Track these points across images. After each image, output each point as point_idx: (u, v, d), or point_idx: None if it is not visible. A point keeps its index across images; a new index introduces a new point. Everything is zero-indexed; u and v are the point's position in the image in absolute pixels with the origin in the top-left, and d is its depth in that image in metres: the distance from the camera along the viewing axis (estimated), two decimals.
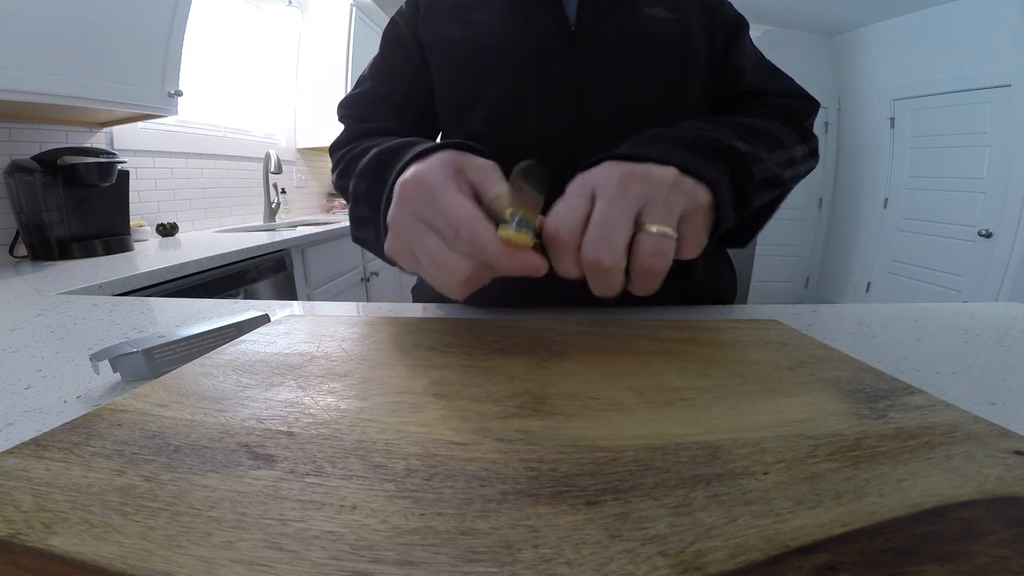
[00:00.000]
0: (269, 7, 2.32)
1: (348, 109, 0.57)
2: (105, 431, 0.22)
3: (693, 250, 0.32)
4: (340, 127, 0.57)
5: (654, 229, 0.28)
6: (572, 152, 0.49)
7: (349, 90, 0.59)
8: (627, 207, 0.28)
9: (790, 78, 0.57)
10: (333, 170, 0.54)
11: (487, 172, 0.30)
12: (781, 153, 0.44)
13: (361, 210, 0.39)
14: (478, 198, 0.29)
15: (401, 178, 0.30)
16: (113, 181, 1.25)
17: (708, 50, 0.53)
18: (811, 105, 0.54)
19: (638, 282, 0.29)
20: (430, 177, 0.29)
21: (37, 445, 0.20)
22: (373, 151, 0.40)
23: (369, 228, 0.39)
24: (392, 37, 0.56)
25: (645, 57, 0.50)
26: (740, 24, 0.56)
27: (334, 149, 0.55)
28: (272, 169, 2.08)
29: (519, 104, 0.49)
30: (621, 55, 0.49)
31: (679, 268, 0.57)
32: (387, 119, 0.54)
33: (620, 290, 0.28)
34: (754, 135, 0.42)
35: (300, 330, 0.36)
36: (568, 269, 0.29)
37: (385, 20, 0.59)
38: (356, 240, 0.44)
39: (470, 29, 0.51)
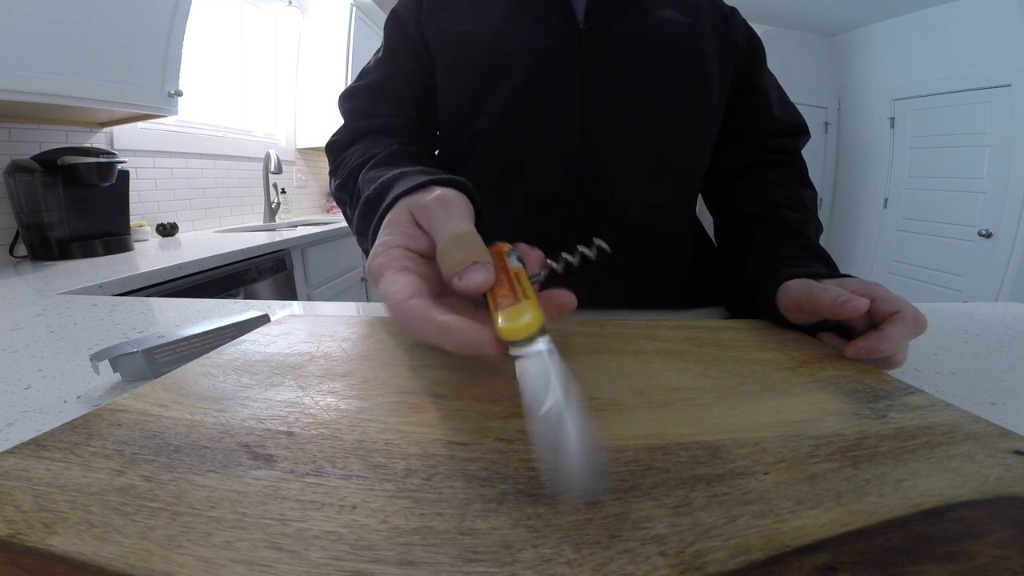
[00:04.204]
0: (269, 7, 2.32)
1: (351, 101, 0.56)
2: (105, 431, 0.22)
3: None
4: (340, 123, 0.56)
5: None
6: (577, 151, 0.49)
7: (352, 81, 0.57)
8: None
9: (794, 106, 0.61)
10: (331, 173, 0.53)
11: (432, 216, 0.27)
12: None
13: (366, 244, 0.40)
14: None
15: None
16: (113, 181, 1.25)
17: (721, 56, 0.53)
18: (808, 137, 0.60)
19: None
20: (372, 266, 0.27)
21: (37, 445, 0.20)
22: (360, 202, 0.38)
23: None
24: (395, 29, 0.55)
25: (654, 59, 0.50)
26: (759, 44, 0.59)
27: (332, 149, 0.54)
28: (272, 169, 2.08)
29: (526, 102, 0.49)
30: (630, 55, 0.49)
31: (681, 270, 0.57)
32: (390, 113, 0.53)
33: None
34: (817, 231, 0.51)
35: (300, 330, 0.36)
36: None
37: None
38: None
39: (475, 24, 0.51)
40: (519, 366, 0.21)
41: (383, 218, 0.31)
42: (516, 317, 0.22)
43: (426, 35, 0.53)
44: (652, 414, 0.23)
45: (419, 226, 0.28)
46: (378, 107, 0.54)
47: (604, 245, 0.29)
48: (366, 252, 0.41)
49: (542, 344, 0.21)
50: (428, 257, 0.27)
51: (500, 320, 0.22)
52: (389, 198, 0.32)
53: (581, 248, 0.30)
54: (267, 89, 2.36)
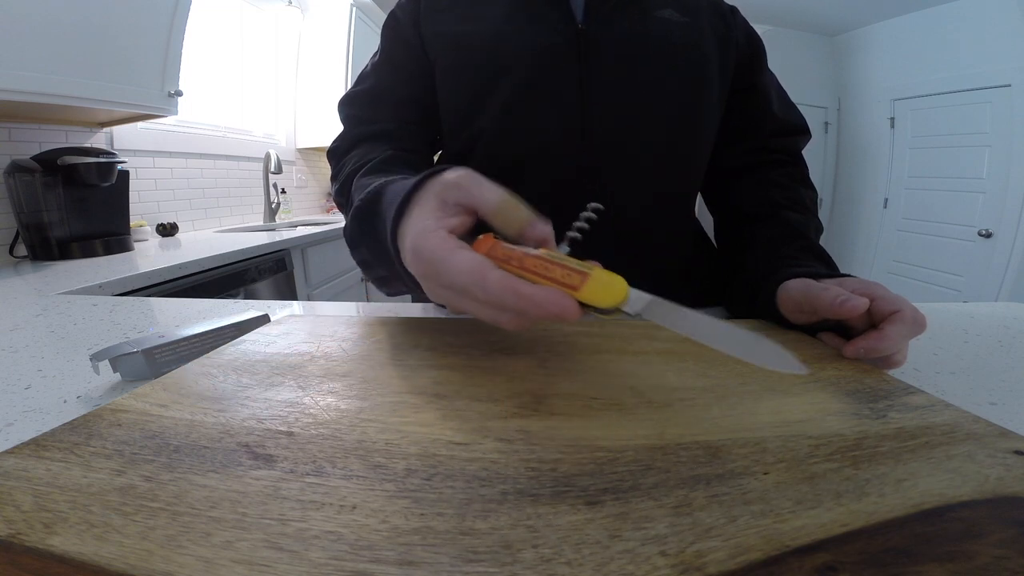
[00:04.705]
0: (269, 7, 2.32)
1: (349, 108, 0.56)
2: (105, 431, 0.22)
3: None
4: (341, 127, 0.57)
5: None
6: (577, 151, 0.49)
7: (350, 87, 0.57)
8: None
9: (795, 105, 0.61)
10: (332, 179, 0.53)
11: (468, 188, 0.29)
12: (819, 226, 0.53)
13: (363, 254, 0.40)
14: (475, 211, 0.29)
15: (404, 254, 0.30)
16: (113, 181, 1.25)
17: (721, 56, 0.53)
18: (809, 137, 0.60)
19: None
20: (426, 249, 0.27)
21: (37, 445, 0.20)
22: (352, 207, 0.39)
23: (375, 269, 0.39)
24: (393, 32, 0.55)
25: (654, 59, 0.49)
26: (759, 44, 0.58)
27: (332, 155, 0.54)
28: (272, 169, 2.08)
29: (526, 102, 0.49)
30: (629, 56, 0.49)
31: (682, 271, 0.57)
32: (388, 117, 0.54)
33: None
34: (818, 232, 0.51)
35: (300, 330, 0.36)
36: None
37: None
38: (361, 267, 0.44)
39: (474, 24, 0.51)
40: (652, 319, 0.25)
41: (401, 215, 0.31)
42: (602, 286, 0.25)
43: (424, 36, 0.53)
44: (652, 414, 0.23)
45: (445, 207, 0.29)
46: (375, 112, 0.54)
47: (598, 205, 0.32)
48: (360, 263, 0.40)
49: (641, 295, 0.25)
50: (461, 234, 0.29)
51: (590, 295, 0.25)
52: (399, 201, 0.31)
53: (583, 216, 0.32)
54: (267, 89, 2.36)
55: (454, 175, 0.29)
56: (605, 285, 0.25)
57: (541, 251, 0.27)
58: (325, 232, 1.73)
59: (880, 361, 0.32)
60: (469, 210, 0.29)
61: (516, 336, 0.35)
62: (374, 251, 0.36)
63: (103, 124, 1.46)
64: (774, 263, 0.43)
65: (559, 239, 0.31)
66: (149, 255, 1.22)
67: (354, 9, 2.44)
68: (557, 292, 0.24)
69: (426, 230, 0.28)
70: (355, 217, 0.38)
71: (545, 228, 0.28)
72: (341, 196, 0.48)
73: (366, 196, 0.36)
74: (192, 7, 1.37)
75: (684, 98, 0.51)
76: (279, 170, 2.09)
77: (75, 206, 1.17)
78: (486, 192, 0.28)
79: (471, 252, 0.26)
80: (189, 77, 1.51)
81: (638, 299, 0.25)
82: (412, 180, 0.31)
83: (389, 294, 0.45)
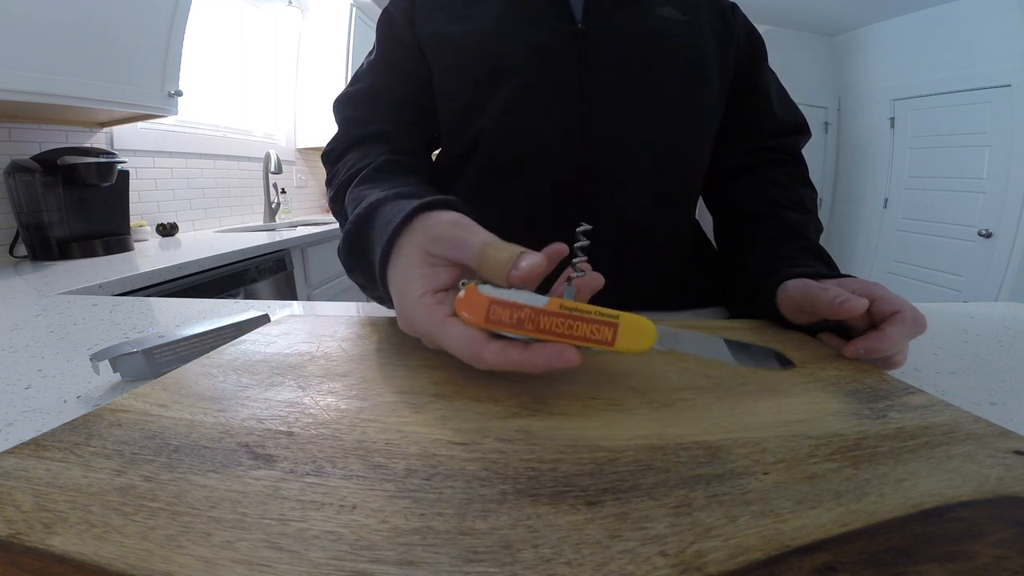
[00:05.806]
0: (269, 7, 2.32)
1: (346, 109, 0.55)
2: (105, 431, 0.22)
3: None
4: (336, 129, 0.56)
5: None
6: (577, 151, 0.49)
7: (346, 87, 0.56)
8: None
9: (795, 104, 0.60)
10: (327, 184, 0.53)
11: (451, 240, 0.28)
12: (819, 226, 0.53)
13: (358, 278, 0.40)
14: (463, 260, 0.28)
15: (395, 307, 0.30)
16: (113, 181, 1.25)
17: (720, 54, 0.53)
18: (809, 136, 0.60)
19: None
20: (416, 321, 0.27)
21: (37, 445, 0.20)
22: (344, 228, 0.38)
23: (370, 291, 0.40)
24: (388, 29, 0.54)
25: (654, 58, 0.49)
26: (759, 41, 0.58)
27: (327, 159, 0.54)
28: (272, 169, 2.08)
29: (526, 102, 0.49)
30: (629, 55, 0.49)
31: (682, 269, 0.57)
32: (385, 117, 0.53)
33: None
34: (817, 231, 0.51)
35: (300, 330, 0.36)
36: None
37: None
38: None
39: (472, 24, 0.50)
40: (682, 349, 0.26)
41: (387, 259, 0.31)
42: (634, 333, 0.25)
43: (420, 35, 0.52)
44: (652, 414, 0.23)
45: (432, 263, 0.28)
46: (371, 113, 0.53)
47: (586, 226, 0.30)
48: (357, 283, 0.41)
49: (666, 331, 0.26)
50: (450, 289, 0.28)
51: (625, 345, 0.24)
52: (383, 242, 0.31)
53: (578, 246, 0.30)
54: (267, 89, 2.36)
55: (438, 227, 0.28)
56: (636, 331, 0.24)
57: (552, 302, 0.24)
58: (325, 232, 1.73)
59: (880, 361, 0.32)
60: (456, 263, 0.28)
61: None
62: (368, 277, 0.36)
63: (103, 124, 1.46)
64: (774, 263, 0.43)
65: (559, 275, 0.29)
66: (149, 255, 1.22)
67: (354, 9, 2.44)
68: (552, 349, 0.24)
69: (411, 296, 0.28)
70: (346, 242, 0.37)
71: (532, 263, 0.24)
72: (336, 204, 0.47)
73: (356, 219, 0.36)
74: (192, 7, 1.37)
75: (684, 98, 0.51)
76: (279, 170, 2.09)
77: (75, 206, 1.17)
78: (471, 242, 0.27)
79: (456, 326, 0.25)
80: (189, 77, 1.51)
81: (665, 335, 0.25)
82: (399, 215, 0.31)
83: (388, 307, 0.45)
